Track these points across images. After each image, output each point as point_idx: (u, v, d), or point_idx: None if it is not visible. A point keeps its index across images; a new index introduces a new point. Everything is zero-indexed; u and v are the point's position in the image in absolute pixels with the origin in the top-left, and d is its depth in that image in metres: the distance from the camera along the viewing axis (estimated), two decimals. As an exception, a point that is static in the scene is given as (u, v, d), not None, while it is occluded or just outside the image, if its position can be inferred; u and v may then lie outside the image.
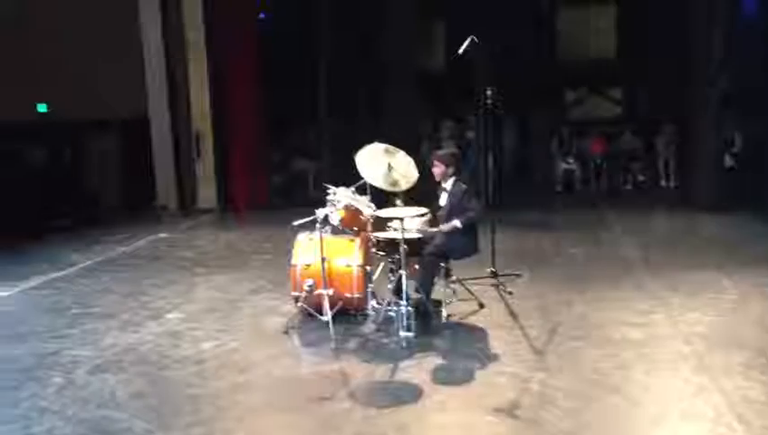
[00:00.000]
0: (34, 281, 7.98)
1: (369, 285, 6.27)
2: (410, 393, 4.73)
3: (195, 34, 12.20)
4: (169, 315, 6.53)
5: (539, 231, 9.87)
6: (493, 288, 6.94)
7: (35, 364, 5.41)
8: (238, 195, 12.33)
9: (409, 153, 6.29)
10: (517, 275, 7.33)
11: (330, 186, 6.25)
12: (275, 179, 13.20)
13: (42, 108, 13.69)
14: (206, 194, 12.50)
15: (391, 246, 5.90)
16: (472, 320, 6.15)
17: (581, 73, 14.54)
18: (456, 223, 6.04)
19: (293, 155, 13.59)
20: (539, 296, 6.75)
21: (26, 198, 11.93)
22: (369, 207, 6.29)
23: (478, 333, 5.86)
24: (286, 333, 5.93)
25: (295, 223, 6.00)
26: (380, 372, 5.13)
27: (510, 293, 6.81)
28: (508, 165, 13.76)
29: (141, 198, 12.92)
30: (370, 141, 6.25)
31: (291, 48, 12.79)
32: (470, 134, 13.36)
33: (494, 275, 7.13)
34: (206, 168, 12.42)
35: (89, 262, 8.91)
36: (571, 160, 13.46)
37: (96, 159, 13.54)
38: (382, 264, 6.36)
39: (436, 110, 14.54)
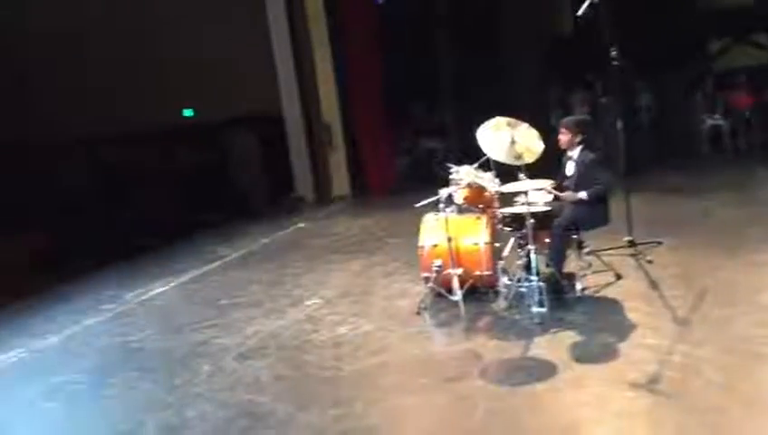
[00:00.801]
0: (187, 275, 8.53)
1: (499, 261, 6.20)
2: (544, 370, 4.63)
3: (318, 26, 12.49)
4: (308, 302, 6.77)
5: (683, 194, 9.31)
6: (631, 258, 6.64)
7: (188, 353, 5.81)
8: (371, 180, 12.55)
9: (539, 124, 6.12)
10: (658, 243, 6.95)
11: (451, 165, 6.22)
12: (404, 162, 13.30)
13: (188, 112, 14.61)
14: (340, 182, 12.81)
15: (518, 220, 5.80)
16: (608, 292, 5.92)
17: (723, 21, 13.48)
18: (582, 195, 5.82)
19: (421, 136, 13.62)
20: (682, 264, 6.39)
21: (178, 198, 12.84)
22: (494, 182, 6.20)
23: (615, 306, 5.63)
24: (418, 313, 5.99)
25: (417, 204, 6.02)
26: (513, 349, 5.07)
27: (650, 261, 6.48)
28: (648, 126, 13.04)
29: (282, 190, 13.49)
30: (496, 116, 6.15)
31: (411, 28, 12.80)
32: (603, 99, 12.76)
33: (632, 244, 6.81)
34: (337, 157, 12.73)
35: (235, 254, 9.40)
36: (717, 116, 12.53)
37: (239, 156, 14.24)
38: (512, 239, 6.26)
39: (565, 76, 14.02)
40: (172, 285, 8.18)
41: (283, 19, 12.65)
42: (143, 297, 7.77)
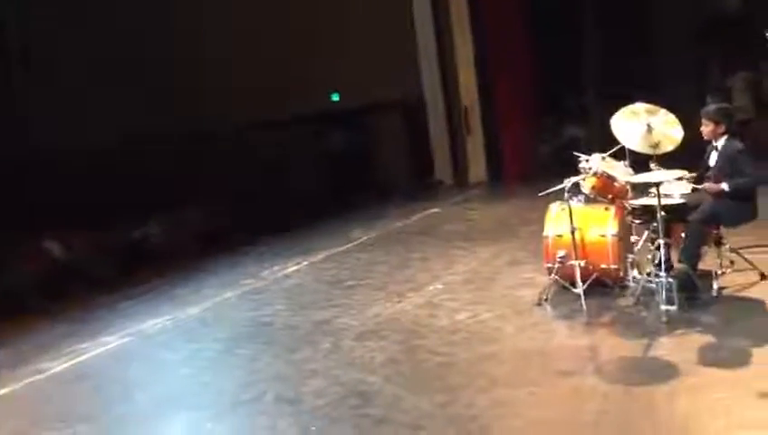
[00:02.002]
0: (321, 255, 8.85)
1: (630, 255, 5.92)
2: (664, 372, 4.40)
3: (460, 9, 12.41)
4: (430, 287, 6.81)
5: None
6: (781, 258, 6.10)
7: (311, 330, 6.05)
8: (508, 166, 12.35)
9: (695, 112, 5.77)
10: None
11: (580, 154, 6.00)
12: (546, 148, 12.94)
13: (335, 96, 15.05)
14: (477, 168, 12.71)
15: (649, 213, 5.50)
16: (750, 293, 5.49)
17: None
18: (724, 186, 5.41)
19: (564, 123, 13.19)
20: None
21: (326, 181, 13.30)
22: (627, 172, 5.92)
23: (755, 308, 5.23)
24: (539, 304, 5.86)
25: (541, 193, 5.86)
26: (634, 347, 4.85)
27: (802, 262, 5.93)
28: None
29: (422, 174, 13.61)
30: (648, 100, 5.87)
31: (556, 8, 12.38)
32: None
33: (786, 242, 6.25)
34: (475, 142, 12.63)
35: (368, 237, 9.62)
36: None
37: (383, 140, 14.50)
38: (645, 233, 5.95)
39: (727, 57, 13.00)
40: (305, 264, 8.51)
41: (425, 3, 12.70)
42: (278, 275, 8.15)
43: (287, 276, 8.07)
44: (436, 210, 10.93)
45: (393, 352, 5.32)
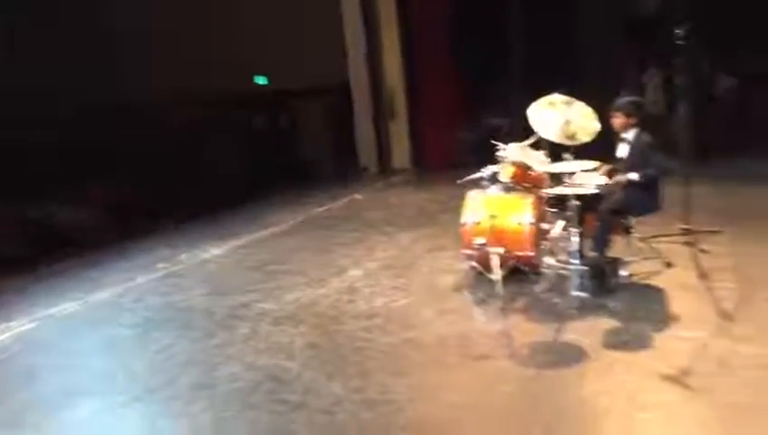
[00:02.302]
0: (242, 240, 8.72)
1: (545, 243, 6.07)
2: (574, 356, 4.55)
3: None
4: (350, 273, 6.82)
5: (756, 184, 8.84)
6: (685, 247, 6.39)
7: (228, 316, 5.96)
8: (432, 154, 12.47)
9: (610, 104, 5.94)
10: (716, 232, 6.66)
11: (499, 143, 6.11)
12: (468, 137, 13.11)
13: (261, 80, 14.82)
14: (401, 154, 12.79)
15: (564, 202, 5.65)
16: (655, 280, 5.73)
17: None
18: (633, 176, 5.62)
19: (487, 112, 13.38)
20: (739, 255, 6.10)
21: (249, 165, 13.10)
22: (543, 162, 6.06)
23: (659, 295, 5.45)
24: (458, 291, 5.95)
25: (460, 181, 5.94)
26: (546, 332, 4.99)
27: (704, 251, 6.22)
28: (726, 109, 12.40)
29: (346, 160, 13.58)
30: (568, 94, 6.01)
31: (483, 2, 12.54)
32: (680, 79, 12.20)
33: (688, 232, 6.55)
34: (399, 129, 12.69)
35: (291, 222, 9.55)
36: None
37: (308, 125, 14.38)
38: (560, 221, 6.12)
39: (642, 56, 13.46)
40: (226, 248, 8.38)
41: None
42: (196, 259, 8.00)
43: (205, 260, 7.93)
44: (358, 196, 10.94)
45: (311, 338, 5.31)
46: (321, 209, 10.15)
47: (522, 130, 11.62)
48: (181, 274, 7.46)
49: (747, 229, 6.84)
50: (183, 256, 8.06)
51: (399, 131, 12.68)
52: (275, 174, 12.64)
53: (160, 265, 7.76)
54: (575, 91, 6.20)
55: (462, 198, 6.16)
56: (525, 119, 12.43)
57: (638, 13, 13.91)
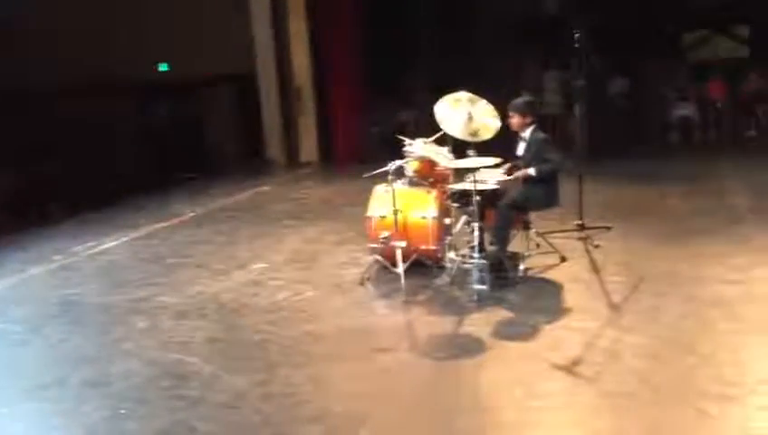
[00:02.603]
0: (142, 231, 8.48)
1: (448, 237, 6.19)
2: (471, 347, 4.66)
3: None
4: (254, 266, 6.75)
5: (643, 182, 9.35)
6: (579, 242, 6.67)
7: (125, 310, 5.78)
8: (340, 147, 12.48)
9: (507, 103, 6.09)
10: (607, 229, 6.99)
11: (405, 138, 6.18)
12: (376, 131, 13.22)
13: (163, 67, 14.37)
14: (309, 147, 12.74)
15: (465, 197, 5.78)
16: (551, 274, 5.95)
17: (705, 11, 13.42)
18: (531, 171, 5.82)
19: (394, 107, 13.52)
20: (628, 251, 6.43)
21: (150, 153, 12.69)
22: (447, 158, 6.18)
23: (554, 288, 5.67)
24: (362, 284, 5.99)
25: (366, 174, 5.98)
26: (446, 324, 5.09)
27: (596, 246, 6.52)
28: (618, 111, 13.04)
29: (252, 151, 13.40)
30: (472, 92, 6.11)
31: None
32: (579, 82, 12.69)
33: (582, 227, 6.85)
34: (307, 122, 12.63)
35: (192, 214, 9.35)
36: (688, 106, 12.57)
37: (213, 114, 14.08)
38: (463, 216, 6.26)
39: (543, 56, 13.94)
40: (124, 240, 8.12)
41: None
42: (93, 250, 7.71)
43: (103, 252, 7.66)
44: (265, 188, 10.84)
45: (213, 332, 5.22)
46: (226, 201, 10.00)
47: (428, 126, 11.83)
48: (76, 266, 7.18)
49: (635, 225, 7.22)
50: (78, 248, 7.76)
51: (308, 124, 12.63)
52: (178, 163, 12.33)
53: (55, 258, 7.44)
54: (478, 89, 6.34)
55: (368, 192, 6.20)
56: (431, 114, 12.67)
57: (538, 14, 14.42)
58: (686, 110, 12.55)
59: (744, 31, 13.43)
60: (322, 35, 12.32)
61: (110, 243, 7.99)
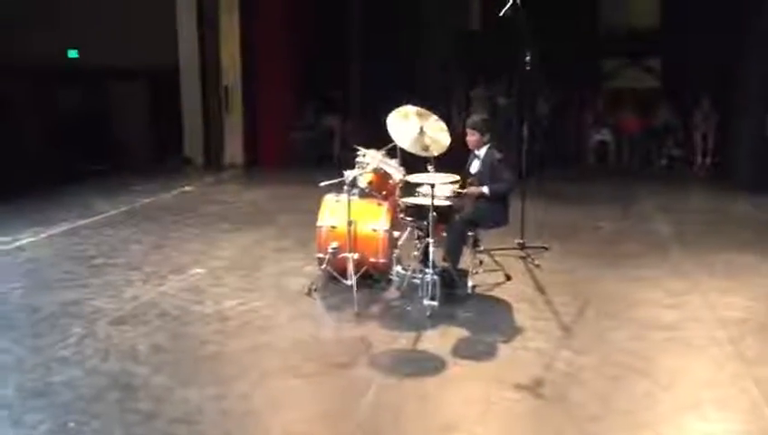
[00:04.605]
0: (60, 228, 7.98)
1: (395, 250, 6.16)
2: (432, 364, 4.63)
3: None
4: (192, 271, 6.47)
5: (569, 203, 9.67)
6: (520, 260, 6.80)
7: (56, 313, 5.40)
8: (265, 150, 12.24)
9: (440, 116, 6.10)
10: (545, 248, 7.16)
11: (360, 147, 6.11)
12: (303, 136, 13.06)
13: (72, 54, 13.63)
14: (233, 149, 12.41)
15: (419, 212, 5.76)
16: (498, 292, 6.02)
17: (621, 42, 14.06)
18: (485, 189, 5.88)
19: (322, 113, 13.40)
20: (567, 271, 6.60)
21: (56, 144, 11.96)
22: (399, 171, 6.15)
23: (504, 306, 5.73)
24: (309, 294, 5.85)
25: (322, 183, 5.86)
26: (402, 340, 5.04)
27: (537, 265, 6.66)
28: (540, 134, 13.45)
29: (168, 149, 12.90)
30: (400, 103, 6.08)
31: (324, 2, 12.55)
32: (502, 100, 13.04)
33: (522, 246, 6.98)
34: (232, 123, 12.30)
35: (114, 211, 8.90)
36: (604, 132, 13.12)
37: (125, 107, 13.45)
38: (408, 229, 6.24)
39: (469, 73, 14.19)
40: (42, 236, 7.61)
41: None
42: (7, 247, 7.18)
43: (20, 249, 7.14)
44: (188, 189, 10.45)
45: (158, 340, 4.94)
46: (147, 200, 9.57)
47: (355, 133, 11.79)
48: (-8, 263, 6.66)
49: (571, 246, 7.43)
50: (-8, 244, 7.21)
51: (233, 125, 12.30)
52: (86, 155, 11.71)
53: (-36, 253, 6.88)
54: (410, 101, 6.31)
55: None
56: (358, 123, 12.67)
57: (466, 29, 14.71)
58: (603, 135, 13.09)
59: (655, 63, 14.15)
60: (254, 34, 12.03)
61: (26, 238, 7.47)
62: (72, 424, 3.82)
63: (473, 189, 5.97)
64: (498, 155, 6.07)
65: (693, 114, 12.76)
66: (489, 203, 5.95)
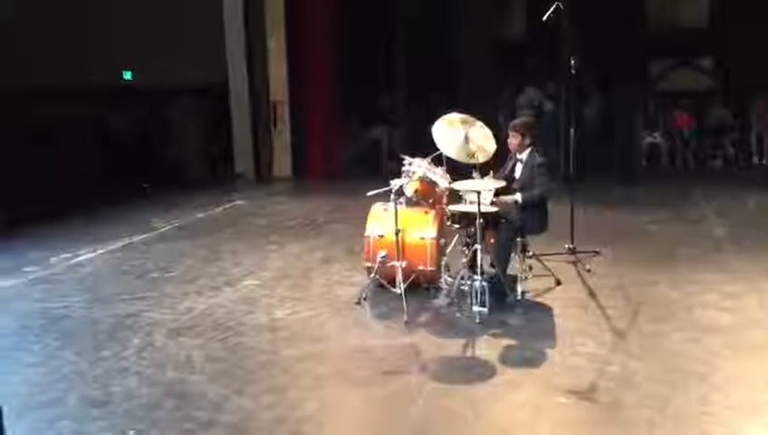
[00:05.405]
0: (115, 244, 8.21)
1: (443, 257, 6.17)
2: (483, 370, 4.63)
3: (275, 2, 12.23)
4: (245, 282, 6.60)
5: (621, 207, 9.53)
6: (570, 265, 6.74)
7: (115, 325, 5.57)
8: (314, 163, 12.40)
9: (485, 123, 6.12)
10: (596, 253, 7.07)
11: (405, 156, 6.15)
12: (351, 148, 13.18)
13: (127, 75, 14.07)
14: (282, 162, 12.60)
15: (466, 219, 5.77)
16: (548, 298, 5.98)
17: (671, 43, 13.82)
18: (517, 197, 5.86)
19: (369, 125, 13.50)
20: (619, 275, 6.50)
21: (112, 163, 12.34)
22: (445, 178, 6.16)
23: (554, 312, 5.68)
24: (359, 303, 5.90)
25: (369, 193, 5.91)
26: (453, 347, 5.05)
27: (588, 270, 6.59)
28: (590, 137, 13.29)
29: (221, 165, 13.20)
30: (446, 111, 6.11)
31: (368, 16, 12.67)
32: (548, 105, 12.93)
33: (572, 251, 6.92)
34: (282, 137, 12.50)
35: (167, 227, 9.12)
36: (656, 134, 12.88)
37: (179, 126, 13.80)
38: (456, 236, 6.25)
39: (514, 79, 14.13)
40: (100, 252, 7.86)
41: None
42: (69, 263, 7.44)
43: (80, 265, 7.39)
44: (240, 203, 10.65)
45: (212, 350, 5.06)
46: (200, 215, 9.79)
47: (401, 144, 11.84)
48: (53, 279, 6.90)
49: (621, 250, 7.31)
50: (53, 260, 7.47)
51: (282, 139, 12.49)
52: (142, 174, 12.03)
53: (28, 269, 7.14)
54: (454, 107, 6.32)
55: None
56: (406, 133, 12.71)
57: (507, 36, 14.67)
58: (654, 137, 12.85)
59: (708, 63, 13.87)
60: (300, 50, 12.22)
61: (86, 254, 7.72)
62: (132, 432, 3.94)
63: (504, 198, 5.94)
64: (540, 159, 6.04)
65: (748, 114, 12.44)
66: (528, 210, 5.91)
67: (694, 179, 11.62)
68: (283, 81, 12.30)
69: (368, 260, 6.06)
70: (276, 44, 12.22)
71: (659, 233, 8.12)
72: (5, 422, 3.30)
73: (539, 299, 5.96)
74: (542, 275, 6.26)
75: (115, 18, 12.71)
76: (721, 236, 7.82)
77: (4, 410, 3.33)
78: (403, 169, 6.13)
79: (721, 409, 4.05)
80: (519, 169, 6.15)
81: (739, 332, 5.11)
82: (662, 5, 14.05)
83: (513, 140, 6.13)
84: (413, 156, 6.20)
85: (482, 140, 6.07)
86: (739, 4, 12.58)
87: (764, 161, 12.40)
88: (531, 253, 6.20)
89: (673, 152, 12.92)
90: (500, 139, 6.24)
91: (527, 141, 6.10)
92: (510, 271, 6.03)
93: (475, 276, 5.60)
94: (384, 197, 5.97)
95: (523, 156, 6.11)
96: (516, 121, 6.37)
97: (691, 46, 13.67)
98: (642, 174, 12.25)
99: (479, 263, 5.59)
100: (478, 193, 5.49)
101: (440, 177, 6.15)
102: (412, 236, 5.98)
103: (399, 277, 5.73)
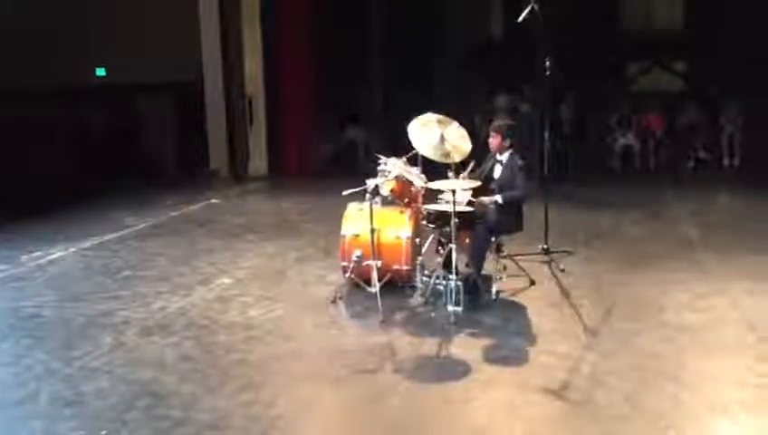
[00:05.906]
0: (88, 242, 8.11)
1: (418, 257, 6.18)
2: (457, 369, 4.65)
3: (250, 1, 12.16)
4: (219, 281, 6.55)
5: (594, 208, 9.60)
6: (544, 265, 6.79)
7: (87, 324, 5.50)
8: (290, 162, 12.34)
9: (461, 124, 6.13)
10: (569, 253, 7.13)
11: (381, 156, 6.15)
12: (326, 147, 13.14)
13: (100, 72, 13.88)
14: (258, 161, 12.52)
15: (442, 218, 5.79)
16: (522, 297, 6.01)
17: (645, 45, 13.99)
18: (498, 198, 5.89)
19: (345, 123, 13.47)
20: (592, 275, 6.57)
21: (84, 161, 12.17)
22: (420, 178, 6.17)
23: (528, 311, 5.72)
24: (333, 302, 5.89)
25: (345, 192, 5.90)
26: (428, 346, 5.06)
27: (562, 270, 6.64)
28: (564, 139, 13.39)
29: (194, 162, 13.05)
30: (422, 112, 6.12)
31: (345, 14, 12.66)
32: (524, 106, 13.00)
33: (546, 251, 6.97)
34: (257, 134, 12.42)
35: (141, 225, 9.02)
36: (629, 135, 13.01)
37: (152, 122, 13.64)
38: (431, 236, 6.27)
39: (491, 80, 14.21)
40: (72, 250, 7.75)
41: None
42: (39, 261, 7.32)
43: (51, 263, 7.28)
44: (214, 201, 10.57)
45: (185, 349, 5.02)
46: (174, 213, 9.69)
47: (378, 144, 11.82)
48: (25, 277, 6.80)
49: (595, 250, 7.39)
50: (24, 258, 7.36)
51: (257, 137, 12.41)
52: (115, 172, 11.89)
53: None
54: (431, 110, 6.33)
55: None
56: (381, 133, 12.68)
57: (485, 39, 14.75)
58: (628, 139, 12.98)
59: (681, 65, 14.06)
60: (276, 46, 12.15)
61: (57, 253, 7.61)
62: (104, 432, 3.90)
63: (484, 199, 5.97)
64: (520, 162, 6.08)
65: (719, 115, 12.63)
66: (504, 210, 5.94)
67: (666, 180, 11.74)
68: (259, 76, 12.21)
69: (343, 259, 6.05)
70: (251, 37, 12.11)
71: (631, 233, 8.21)
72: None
73: (513, 299, 6.00)
74: (517, 275, 6.30)
75: (87, 13, 12.53)
76: (692, 237, 7.92)
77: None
78: (379, 168, 6.13)
79: (691, 407, 4.11)
80: (498, 170, 6.17)
81: (710, 331, 5.19)
82: (638, 7, 14.22)
83: (494, 141, 6.17)
84: (387, 156, 6.20)
85: (457, 140, 6.08)
86: (712, 7, 12.78)
87: (735, 163, 12.58)
88: (505, 253, 6.24)
89: (646, 154, 13.05)
90: (477, 139, 6.27)
91: (506, 143, 6.13)
92: (485, 271, 6.06)
93: (450, 276, 5.62)
94: (360, 196, 5.96)
95: (503, 157, 6.14)
96: (497, 123, 6.40)
97: (665, 48, 13.85)
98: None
99: (454, 262, 5.61)
100: (453, 192, 5.50)
101: (416, 176, 6.16)
102: (387, 236, 5.98)
103: (375, 277, 5.73)
